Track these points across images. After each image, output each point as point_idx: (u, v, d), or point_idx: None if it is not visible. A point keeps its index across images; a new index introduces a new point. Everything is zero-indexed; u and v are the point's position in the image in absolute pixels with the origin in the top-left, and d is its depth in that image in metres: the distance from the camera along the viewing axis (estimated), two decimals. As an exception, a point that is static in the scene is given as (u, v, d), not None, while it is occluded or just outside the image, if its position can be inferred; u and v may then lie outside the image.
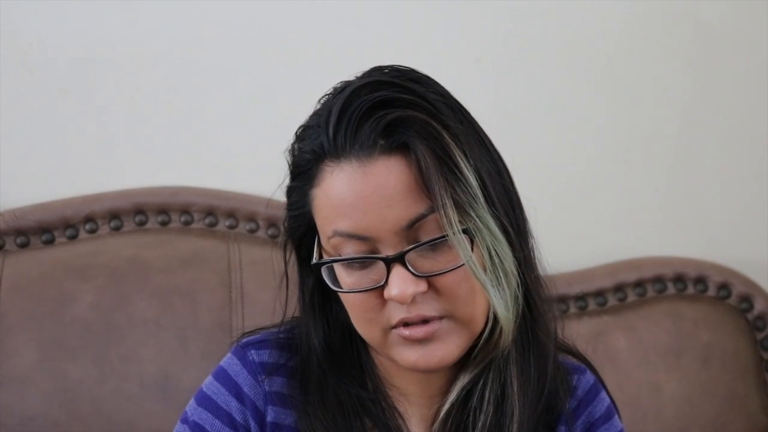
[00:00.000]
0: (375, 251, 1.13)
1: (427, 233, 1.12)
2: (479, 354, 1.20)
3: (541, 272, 1.22)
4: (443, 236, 1.11)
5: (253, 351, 1.24)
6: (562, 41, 1.98)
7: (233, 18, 1.90)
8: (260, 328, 1.28)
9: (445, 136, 1.12)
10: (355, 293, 1.15)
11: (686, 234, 2.02)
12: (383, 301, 1.14)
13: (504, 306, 1.14)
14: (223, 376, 1.24)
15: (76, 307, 1.76)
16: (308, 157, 1.15)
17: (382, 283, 1.13)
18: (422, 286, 1.13)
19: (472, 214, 1.11)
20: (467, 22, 1.95)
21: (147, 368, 1.74)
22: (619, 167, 2.01)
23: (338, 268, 1.15)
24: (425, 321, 1.14)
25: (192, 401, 1.25)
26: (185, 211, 1.88)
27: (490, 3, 1.95)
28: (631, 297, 1.93)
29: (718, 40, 2.01)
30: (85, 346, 1.74)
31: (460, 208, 1.11)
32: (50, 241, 1.84)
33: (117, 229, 1.86)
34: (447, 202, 1.10)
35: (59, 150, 1.88)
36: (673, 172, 2.03)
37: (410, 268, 1.12)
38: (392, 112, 1.12)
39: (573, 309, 1.91)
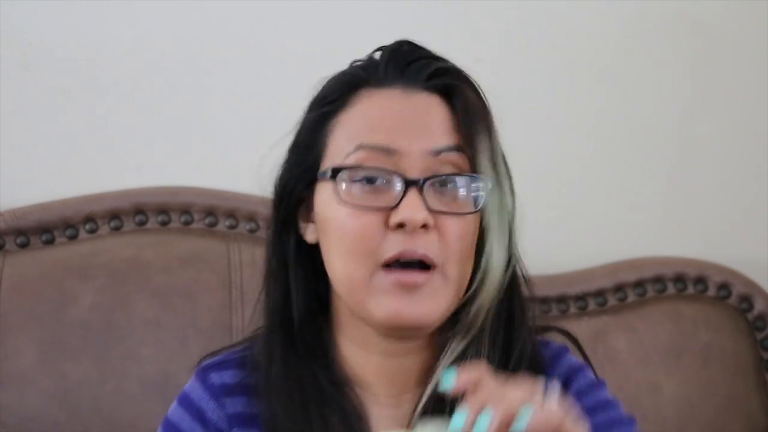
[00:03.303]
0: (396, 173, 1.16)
1: (450, 170, 1.16)
2: (458, 327, 1.19)
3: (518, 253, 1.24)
4: (462, 174, 1.16)
5: (213, 374, 1.24)
6: (562, 41, 1.98)
7: (233, 18, 1.90)
8: (221, 349, 1.28)
9: (483, 98, 1.20)
10: (358, 217, 1.15)
11: (686, 234, 2.02)
12: (384, 231, 1.14)
13: (501, 253, 1.17)
14: (186, 402, 1.24)
15: (76, 307, 1.76)
16: (344, 87, 1.21)
17: (393, 205, 1.14)
18: (431, 219, 1.14)
19: (497, 169, 1.17)
20: (467, 22, 1.95)
21: (147, 368, 1.74)
22: (619, 167, 2.01)
23: (348, 187, 1.16)
24: (421, 265, 1.15)
25: (159, 429, 1.25)
26: (185, 211, 1.88)
27: (490, 3, 1.95)
28: (631, 297, 1.93)
29: (718, 41, 2.01)
30: (85, 346, 1.74)
31: (488, 157, 1.16)
32: (50, 241, 1.84)
33: (117, 229, 1.86)
34: (479, 147, 1.15)
35: (59, 150, 1.88)
36: (673, 172, 2.02)
37: (425, 198, 1.14)
38: (442, 62, 1.20)
39: (573, 309, 1.91)
